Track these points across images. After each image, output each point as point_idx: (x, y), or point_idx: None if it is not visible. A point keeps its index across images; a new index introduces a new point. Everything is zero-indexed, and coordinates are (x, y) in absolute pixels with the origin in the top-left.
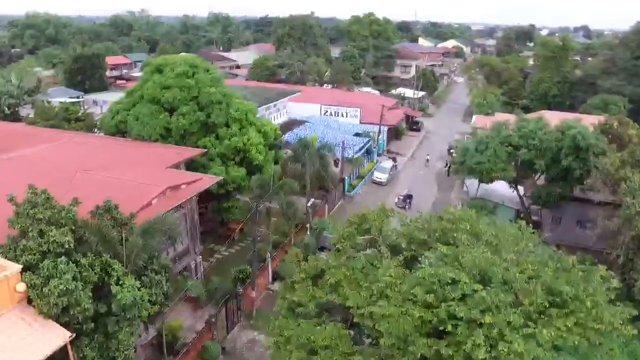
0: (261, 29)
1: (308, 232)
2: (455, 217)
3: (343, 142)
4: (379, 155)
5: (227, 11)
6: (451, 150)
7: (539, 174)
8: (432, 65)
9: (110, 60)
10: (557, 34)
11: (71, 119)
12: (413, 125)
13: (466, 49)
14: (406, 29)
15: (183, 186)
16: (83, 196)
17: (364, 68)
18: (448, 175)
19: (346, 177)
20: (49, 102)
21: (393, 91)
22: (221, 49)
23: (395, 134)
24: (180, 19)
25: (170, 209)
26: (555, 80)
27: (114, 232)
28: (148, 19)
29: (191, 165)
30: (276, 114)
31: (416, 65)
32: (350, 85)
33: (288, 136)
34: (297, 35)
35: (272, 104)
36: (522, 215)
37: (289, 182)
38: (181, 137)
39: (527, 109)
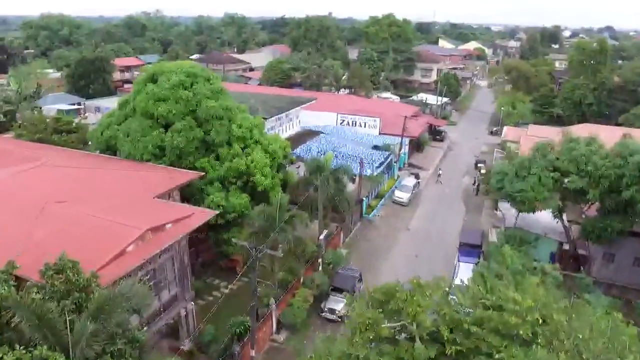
0: (277, 29)
1: (320, 268)
2: (518, 304)
3: (361, 160)
4: (399, 169)
5: (244, 12)
6: (479, 165)
7: (589, 203)
8: (454, 68)
9: (121, 62)
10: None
11: (62, 131)
12: (436, 135)
13: (488, 51)
14: (425, 30)
15: (169, 225)
16: (46, 238)
17: (383, 72)
18: (476, 194)
19: (364, 198)
20: (40, 111)
21: (414, 97)
22: (235, 50)
23: (417, 145)
24: (195, 20)
25: (139, 277)
26: (591, 87)
27: (60, 309)
28: (163, 20)
29: (187, 189)
30: (288, 124)
31: (437, 69)
32: (369, 91)
33: (300, 150)
34: (313, 37)
35: (283, 114)
36: (566, 249)
37: (299, 214)
38: (177, 157)
39: (559, 118)
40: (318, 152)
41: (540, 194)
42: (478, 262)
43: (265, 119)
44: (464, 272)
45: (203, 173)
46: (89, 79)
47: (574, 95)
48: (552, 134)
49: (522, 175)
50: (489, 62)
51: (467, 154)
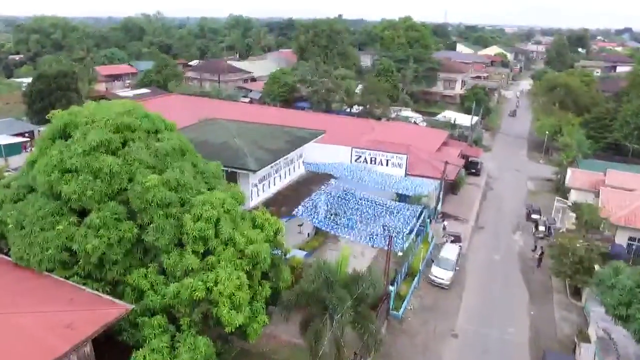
0: (285, 32)
1: None
2: None
3: (390, 234)
4: (431, 222)
5: (251, 13)
6: (533, 217)
7: None
8: (477, 77)
9: (109, 69)
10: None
11: None
12: (471, 168)
13: (510, 56)
14: (442, 34)
15: None
16: None
17: (401, 84)
18: (538, 265)
19: (392, 290)
20: None
21: (439, 117)
22: (237, 55)
23: (451, 186)
24: (198, 22)
25: None
26: None
27: None
28: (163, 22)
29: (107, 333)
30: (287, 169)
31: (462, 80)
32: (387, 110)
33: (303, 207)
34: (322, 43)
35: (281, 160)
36: None
37: None
38: (95, 267)
39: (617, 148)
40: (327, 211)
41: None
42: None
43: (253, 171)
44: None
45: (130, 307)
46: (49, 99)
47: (639, 119)
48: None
49: None
50: (512, 69)
51: (512, 194)
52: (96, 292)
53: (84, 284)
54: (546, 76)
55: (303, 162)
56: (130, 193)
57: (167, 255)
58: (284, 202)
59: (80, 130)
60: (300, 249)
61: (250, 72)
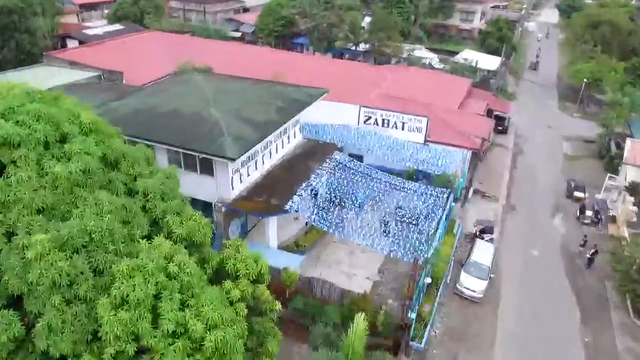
0: None
1: None
2: None
3: (416, 261)
4: (455, 200)
5: None
6: (577, 195)
7: None
8: (495, 6)
9: None
10: None
11: None
12: (497, 124)
13: None
14: None
15: None
16: None
17: (414, 16)
18: (588, 266)
19: (413, 317)
20: None
21: (459, 57)
22: None
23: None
24: None
25: None
26: None
27: None
28: None
29: None
30: (281, 141)
31: (481, 11)
32: (398, 49)
33: (297, 201)
34: None
35: (271, 137)
36: None
37: None
38: None
39: None
40: (329, 199)
41: None
42: None
43: (232, 160)
44: None
45: None
46: None
47: None
48: None
49: None
50: None
51: (546, 159)
52: None
53: None
54: (585, 11)
55: (300, 127)
56: (4, 266)
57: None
58: (275, 189)
59: None
60: (296, 244)
61: (241, 1)
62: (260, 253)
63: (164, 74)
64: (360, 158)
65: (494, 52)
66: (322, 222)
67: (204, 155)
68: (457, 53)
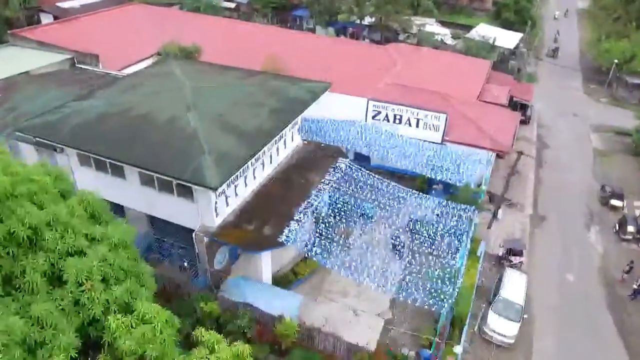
0: None
1: None
2: None
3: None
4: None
5: None
6: (613, 204)
7: None
8: None
9: None
10: None
11: None
12: (520, 112)
13: None
14: None
15: None
16: None
17: None
18: (634, 297)
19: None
20: None
21: (474, 33)
22: None
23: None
24: None
25: None
26: None
27: None
28: None
29: None
30: (276, 148)
31: None
32: (407, 23)
33: (294, 229)
34: None
35: (266, 147)
36: None
37: None
38: None
39: None
40: (332, 222)
41: None
42: None
43: (213, 189)
44: None
45: None
46: None
47: None
48: None
49: None
50: None
51: (574, 156)
52: None
53: None
54: None
55: (299, 128)
56: None
57: None
58: (268, 212)
59: None
60: (294, 272)
61: None
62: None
63: (146, 55)
64: (367, 158)
65: (511, 26)
66: (323, 257)
67: (178, 182)
68: (469, 27)
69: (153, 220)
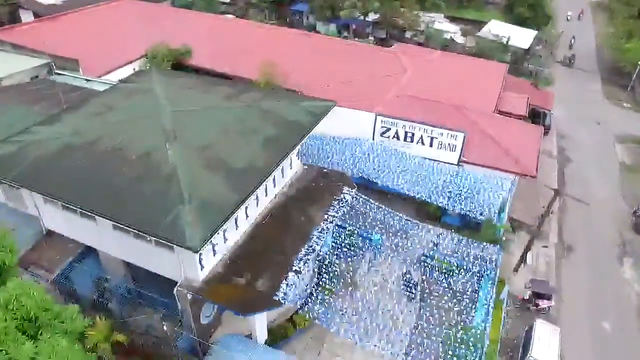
0: None
1: None
2: None
3: None
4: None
5: None
6: None
7: None
8: None
9: None
10: None
11: None
12: (536, 122)
13: None
14: None
15: None
16: None
17: None
18: None
19: None
20: None
21: (486, 31)
22: None
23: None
24: None
25: None
26: None
27: None
28: None
29: None
30: (272, 179)
31: None
32: (415, 20)
33: (292, 283)
34: None
35: (261, 184)
36: None
37: None
38: None
39: None
40: (335, 271)
41: None
42: None
43: (194, 251)
44: None
45: None
46: None
47: None
48: None
49: None
50: None
51: (599, 172)
52: None
53: None
54: None
55: (298, 151)
56: None
57: None
58: (263, 261)
59: None
60: (292, 322)
61: None
62: None
63: (132, 57)
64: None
65: (524, 22)
66: (324, 317)
67: (154, 239)
68: (479, 22)
69: (130, 265)
